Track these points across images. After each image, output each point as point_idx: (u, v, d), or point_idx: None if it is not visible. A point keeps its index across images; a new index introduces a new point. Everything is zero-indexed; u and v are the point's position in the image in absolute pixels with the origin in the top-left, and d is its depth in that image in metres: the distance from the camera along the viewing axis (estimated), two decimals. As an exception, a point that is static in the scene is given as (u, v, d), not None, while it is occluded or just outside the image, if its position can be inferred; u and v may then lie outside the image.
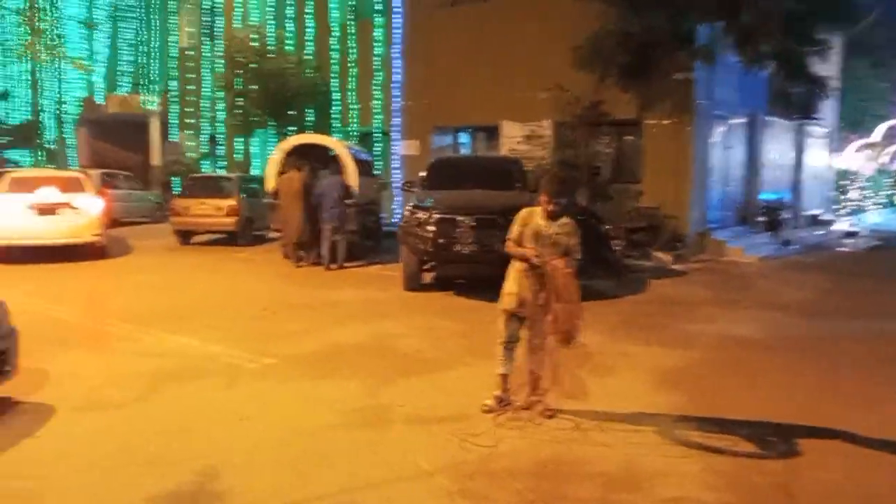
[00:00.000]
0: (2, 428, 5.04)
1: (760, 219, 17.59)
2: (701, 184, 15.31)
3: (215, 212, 15.55)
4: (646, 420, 5.27)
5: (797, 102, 14.42)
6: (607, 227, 12.63)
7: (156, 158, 24.96)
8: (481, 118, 17.31)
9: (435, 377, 6.36)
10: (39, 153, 30.76)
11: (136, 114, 25.28)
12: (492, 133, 17.20)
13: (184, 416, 5.35)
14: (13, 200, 12.63)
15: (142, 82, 26.00)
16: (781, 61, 12.80)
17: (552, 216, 5.31)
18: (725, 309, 9.62)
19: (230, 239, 15.89)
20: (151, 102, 25.23)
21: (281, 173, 13.37)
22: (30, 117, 31.09)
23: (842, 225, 21.66)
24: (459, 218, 9.62)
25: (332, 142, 13.95)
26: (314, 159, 13.66)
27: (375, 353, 7.18)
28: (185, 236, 16.07)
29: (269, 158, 14.65)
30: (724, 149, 16.63)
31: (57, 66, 27.10)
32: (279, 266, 12.90)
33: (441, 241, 9.65)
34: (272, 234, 15.34)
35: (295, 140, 14.20)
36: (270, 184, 13.50)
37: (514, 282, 5.41)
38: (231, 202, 15.60)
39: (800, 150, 20.61)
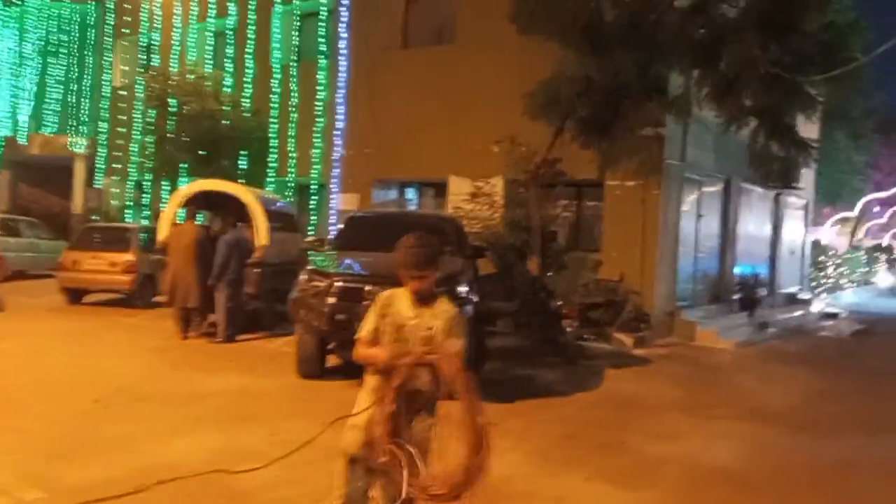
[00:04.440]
0: None
1: (735, 296, 15.78)
2: (670, 255, 13.43)
3: (109, 267, 13.35)
4: None
5: (778, 168, 12.65)
6: (559, 302, 10.64)
7: (77, 206, 22.67)
8: (428, 172, 15.47)
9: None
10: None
11: (63, 156, 23.06)
12: (441, 189, 15.32)
13: None
14: None
15: (70, 123, 23.83)
16: (764, 118, 11.09)
17: (421, 299, 3.28)
18: (698, 417, 7.55)
19: (128, 299, 13.67)
20: (78, 145, 23.05)
21: (176, 225, 11.27)
22: (-46, 157, 28.76)
23: (820, 305, 20.00)
24: (367, 288, 7.54)
25: (240, 190, 11.87)
26: (231, 210, 11.59)
27: (200, 491, 4.94)
28: (76, 295, 13.79)
29: (166, 204, 12.53)
30: (696, 216, 14.87)
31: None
32: (164, 337, 10.63)
33: (340, 316, 7.53)
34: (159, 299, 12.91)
35: (196, 186, 12.10)
36: (162, 235, 11.33)
37: (364, 407, 3.33)
38: (128, 257, 13.38)
39: (777, 222, 19.02)
